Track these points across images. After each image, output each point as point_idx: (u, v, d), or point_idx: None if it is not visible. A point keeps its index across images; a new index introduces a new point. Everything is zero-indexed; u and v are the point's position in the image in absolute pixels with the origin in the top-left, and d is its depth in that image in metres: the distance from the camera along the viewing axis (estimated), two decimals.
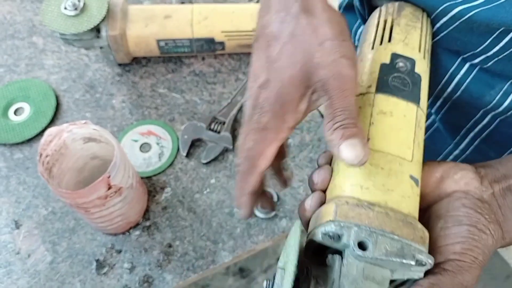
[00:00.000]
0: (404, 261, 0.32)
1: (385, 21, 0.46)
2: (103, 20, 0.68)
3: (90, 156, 0.60)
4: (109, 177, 0.52)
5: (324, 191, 0.38)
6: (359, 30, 0.63)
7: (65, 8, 0.67)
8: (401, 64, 0.42)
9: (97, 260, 0.61)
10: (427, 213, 0.39)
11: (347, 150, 0.34)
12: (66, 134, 0.55)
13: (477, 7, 0.43)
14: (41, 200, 0.65)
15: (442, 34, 0.48)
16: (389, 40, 0.43)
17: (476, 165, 0.40)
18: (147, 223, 0.63)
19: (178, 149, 0.68)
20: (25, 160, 0.68)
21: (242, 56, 0.76)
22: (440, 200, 0.39)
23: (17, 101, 0.72)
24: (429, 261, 0.33)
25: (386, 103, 0.39)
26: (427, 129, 0.64)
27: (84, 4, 0.68)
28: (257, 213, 0.63)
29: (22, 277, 0.60)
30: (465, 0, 0.44)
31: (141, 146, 0.69)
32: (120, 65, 0.76)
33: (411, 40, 0.44)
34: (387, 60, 0.42)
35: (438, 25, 0.47)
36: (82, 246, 0.62)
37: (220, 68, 0.76)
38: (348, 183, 0.36)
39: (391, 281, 0.34)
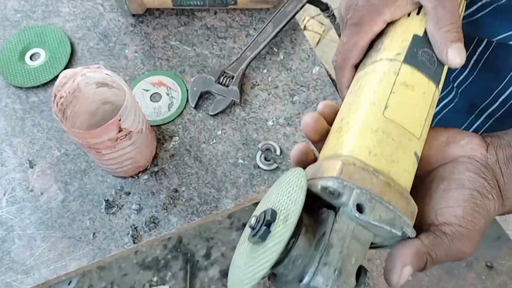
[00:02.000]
0: (393, 230, 0.33)
1: None
2: None
3: (102, 101, 0.62)
4: (120, 120, 0.54)
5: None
6: None
7: None
8: None
9: (107, 201, 0.64)
10: (431, 176, 0.39)
11: (454, 53, 0.37)
12: (80, 77, 0.57)
13: None
14: (54, 142, 0.68)
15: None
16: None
17: (482, 134, 0.40)
18: (155, 169, 0.66)
19: (187, 101, 0.70)
20: (40, 104, 0.71)
21: (254, 12, 0.77)
22: (445, 163, 0.39)
23: (33, 46, 0.74)
24: (413, 235, 0.34)
25: (411, 76, 0.39)
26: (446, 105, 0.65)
27: None
28: (260, 164, 0.65)
29: (35, 213, 0.64)
30: None
31: (151, 96, 0.71)
32: (133, 15, 0.77)
33: None
34: (420, 32, 0.41)
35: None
36: (92, 187, 0.65)
37: (232, 23, 0.77)
38: (357, 144, 0.36)
39: (371, 244, 0.35)
